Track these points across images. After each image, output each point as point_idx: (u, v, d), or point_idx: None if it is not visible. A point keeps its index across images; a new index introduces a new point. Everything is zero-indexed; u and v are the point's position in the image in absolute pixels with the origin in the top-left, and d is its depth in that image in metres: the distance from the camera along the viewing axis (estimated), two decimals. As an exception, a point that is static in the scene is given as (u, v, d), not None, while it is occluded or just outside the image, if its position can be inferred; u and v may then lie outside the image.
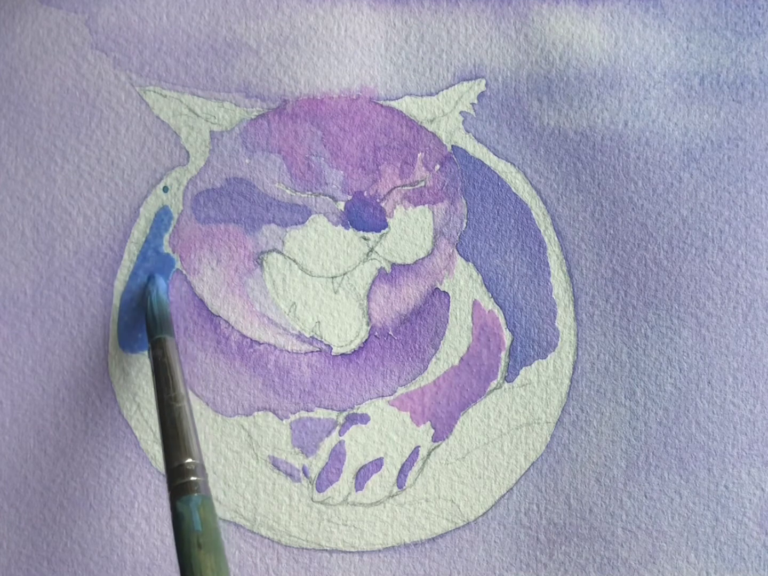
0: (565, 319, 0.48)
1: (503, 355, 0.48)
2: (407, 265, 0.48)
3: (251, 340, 0.48)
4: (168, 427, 0.41)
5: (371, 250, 0.48)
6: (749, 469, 0.48)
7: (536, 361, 0.48)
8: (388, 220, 0.48)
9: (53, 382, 0.47)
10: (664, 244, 0.49)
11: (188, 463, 0.39)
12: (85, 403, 0.47)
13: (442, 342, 0.48)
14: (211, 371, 0.48)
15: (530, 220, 0.49)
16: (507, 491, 0.47)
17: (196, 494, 0.38)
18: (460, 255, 0.49)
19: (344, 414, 0.48)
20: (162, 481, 0.47)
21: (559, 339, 0.48)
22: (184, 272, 0.48)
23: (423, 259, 0.48)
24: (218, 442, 0.47)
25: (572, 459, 0.48)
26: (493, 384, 0.48)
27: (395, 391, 0.48)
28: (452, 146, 0.49)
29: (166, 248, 0.48)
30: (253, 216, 0.48)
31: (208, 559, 0.36)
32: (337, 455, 0.47)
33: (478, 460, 0.48)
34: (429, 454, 0.48)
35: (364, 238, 0.48)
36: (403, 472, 0.47)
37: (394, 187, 0.49)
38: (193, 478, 0.39)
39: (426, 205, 0.49)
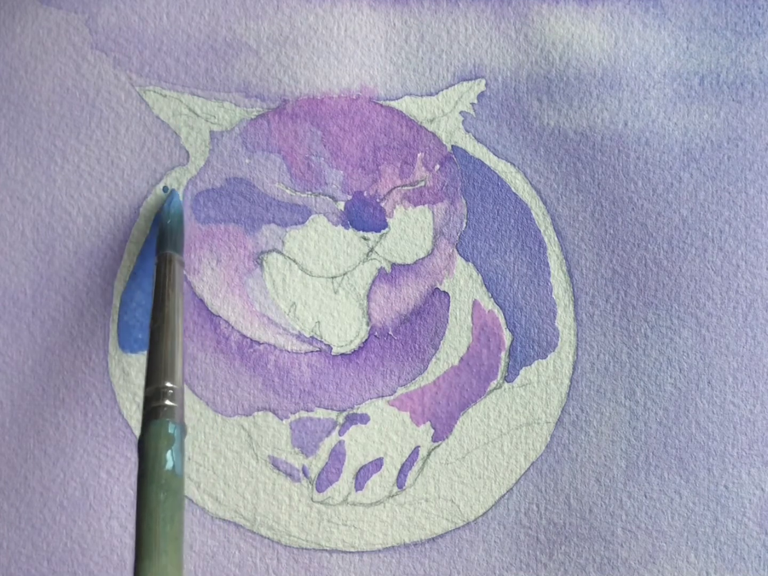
0: (565, 319, 0.48)
1: (503, 355, 0.48)
2: (407, 265, 0.48)
3: (251, 340, 0.48)
4: (150, 348, 0.40)
5: (371, 250, 0.48)
6: (749, 469, 0.48)
7: (536, 361, 0.48)
8: (388, 220, 0.48)
9: (53, 382, 0.47)
10: (664, 244, 0.49)
11: (165, 387, 0.38)
12: (85, 403, 0.47)
13: (442, 342, 0.48)
14: (211, 371, 0.48)
15: (530, 220, 0.49)
16: (507, 491, 0.47)
17: (168, 420, 0.37)
18: (460, 255, 0.49)
19: (344, 414, 0.48)
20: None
21: (559, 339, 0.48)
22: (184, 272, 0.48)
23: (423, 259, 0.48)
24: (218, 442, 0.47)
25: (572, 459, 0.48)
26: (493, 384, 0.48)
27: (395, 391, 0.48)
28: (452, 146, 0.49)
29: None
30: (253, 216, 0.48)
31: (168, 502, 0.35)
32: (337, 455, 0.47)
33: (478, 460, 0.48)
34: (429, 454, 0.48)
35: (364, 238, 0.48)
36: (403, 472, 0.47)
37: (394, 187, 0.49)
38: (168, 402, 0.37)
39: (426, 205, 0.49)
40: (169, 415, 0.37)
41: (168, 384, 0.38)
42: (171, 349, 0.39)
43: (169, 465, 0.36)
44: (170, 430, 0.37)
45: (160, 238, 0.45)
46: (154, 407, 0.37)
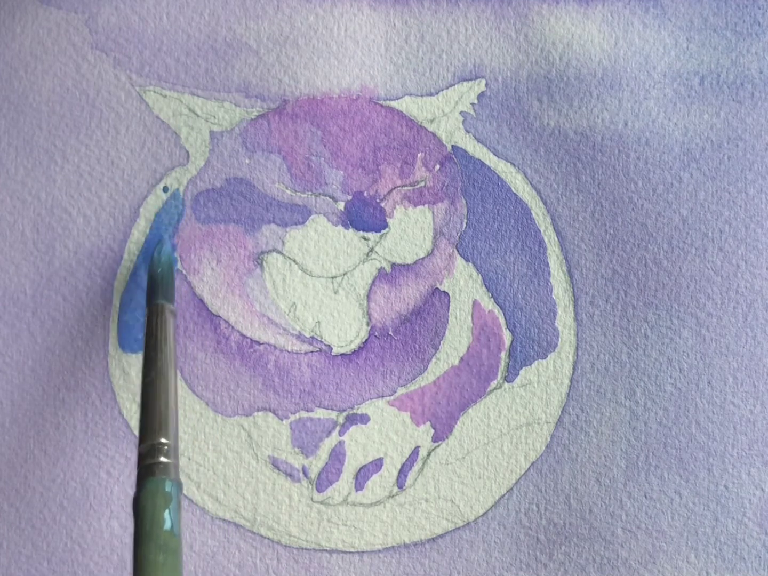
0: (565, 319, 0.48)
1: (503, 355, 0.48)
2: (407, 265, 0.48)
3: (251, 340, 0.48)
4: (143, 403, 0.39)
5: (371, 250, 0.48)
6: (749, 469, 0.48)
7: (536, 361, 0.48)
8: (388, 220, 0.48)
9: (53, 382, 0.47)
10: (664, 244, 0.49)
11: (160, 443, 0.37)
12: (85, 403, 0.47)
13: (442, 342, 0.48)
14: (211, 371, 0.48)
15: (530, 220, 0.49)
16: (507, 491, 0.47)
17: (165, 478, 0.36)
18: (460, 255, 0.49)
19: (344, 414, 0.48)
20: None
21: (559, 339, 0.48)
22: (184, 272, 0.48)
23: (423, 259, 0.48)
24: (218, 442, 0.47)
25: (572, 459, 0.48)
26: (493, 384, 0.48)
27: (395, 391, 0.48)
28: (452, 146, 0.49)
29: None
30: (253, 216, 0.48)
31: (168, 563, 0.34)
32: (337, 455, 0.47)
33: (478, 460, 0.48)
34: (429, 454, 0.48)
35: (364, 238, 0.48)
36: (403, 473, 0.47)
37: (394, 187, 0.49)
38: (163, 459, 0.36)
39: (426, 205, 0.49)
40: (165, 473, 0.36)
41: (163, 440, 0.37)
42: (165, 404, 0.38)
43: (168, 525, 0.35)
44: (167, 488, 0.36)
45: (150, 288, 0.44)
46: (149, 464, 0.36)
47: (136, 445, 0.47)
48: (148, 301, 0.43)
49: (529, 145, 0.49)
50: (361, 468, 0.47)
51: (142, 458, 0.37)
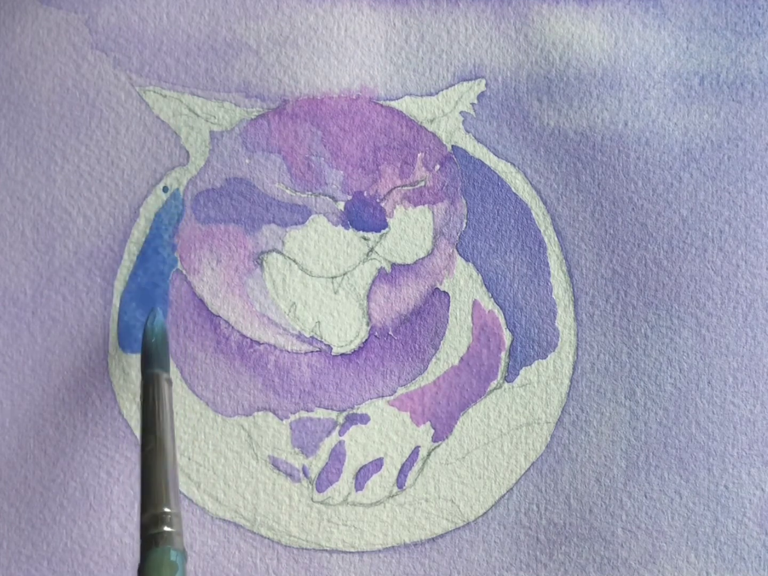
0: (565, 319, 0.48)
1: (503, 355, 0.48)
2: (407, 265, 0.48)
3: (251, 340, 0.48)
4: (144, 472, 0.39)
5: (371, 250, 0.48)
6: (749, 469, 0.48)
7: (536, 361, 0.48)
8: (388, 220, 0.48)
9: (53, 382, 0.47)
10: (664, 244, 0.49)
11: (163, 512, 0.37)
12: (85, 403, 0.47)
13: (442, 342, 0.48)
14: (211, 371, 0.47)
15: (530, 220, 0.49)
16: (507, 491, 0.47)
17: (169, 548, 0.35)
18: (460, 255, 0.49)
19: (344, 414, 0.48)
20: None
21: (559, 339, 0.48)
22: (184, 272, 0.48)
23: (423, 259, 0.48)
24: (218, 442, 0.47)
25: (572, 459, 0.48)
26: (493, 384, 0.48)
27: (395, 391, 0.48)
28: (452, 146, 0.49)
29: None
30: (253, 216, 0.48)
31: None
32: (337, 455, 0.47)
33: (478, 460, 0.48)
34: (429, 454, 0.48)
35: (364, 238, 0.48)
36: (403, 472, 0.47)
37: (394, 187, 0.49)
38: (167, 529, 0.36)
39: (426, 205, 0.49)
40: (169, 542, 0.36)
41: (165, 509, 0.37)
42: (165, 473, 0.38)
43: None
44: (172, 558, 0.35)
45: (144, 357, 0.44)
46: (152, 534, 0.36)
47: (136, 444, 0.47)
48: (142, 370, 0.43)
49: (529, 145, 0.49)
50: (361, 468, 0.47)
51: (145, 528, 0.36)
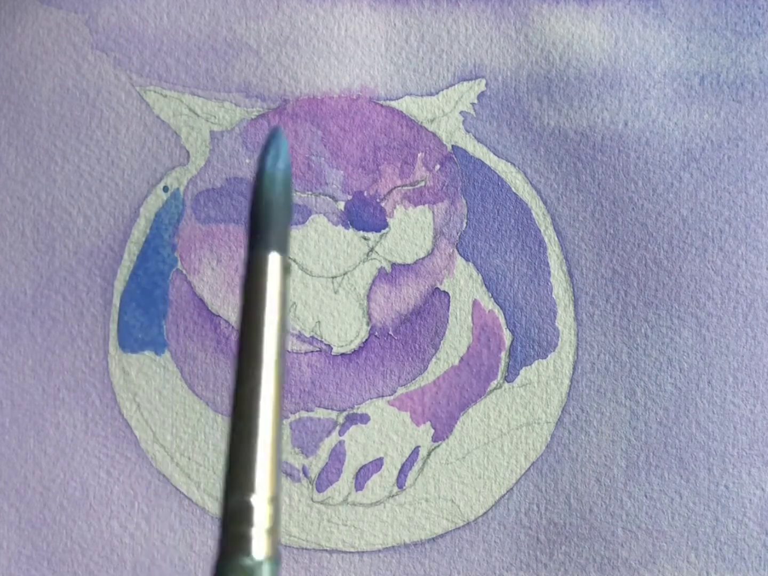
0: (565, 319, 0.48)
1: (503, 355, 0.48)
2: (407, 265, 0.48)
3: (251, 340, 0.48)
4: (233, 428, 0.24)
5: (371, 250, 0.48)
6: (749, 469, 0.48)
7: (536, 361, 0.48)
8: (388, 220, 0.48)
9: (53, 382, 0.47)
10: (664, 244, 0.49)
11: (252, 500, 0.23)
12: (85, 403, 0.47)
13: (442, 342, 0.48)
14: (211, 371, 0.47)
15: (530, 220, 0.49)
16: (507, 491, 0.47)
17: (256, 559, 0.23)
18: (460, 255, 0.49)
19: (344, 414, 0.48)
20: (163, 481, 0.47)
21: (559, 339, 0.48)
22: (184, 272, 0.48)
23: (423, 259, 0.48)
24: (218, 442, 0.47)
25: (572, 459, 0.48)
26: (493, 384, 0.48)
27: (395, 391, 0.48)
28: (452, 146, 0.49)
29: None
30: (253, 216, 0.48)
31: None
32: (337, 455, 0.47)
33: (478, 460, 0.48)
34: (429, 454, 0.48)
35: (364, 238, 0.48)
36: (403, 472, 0.47)
37: (394, 187, 0.49)
38: (254, 530, 0.23)
39: (426, 205, 0.49)
40: (267, 549, 0.23)
41: (259, 495, 0.23)
42: (273, 432, 0.24)
43: None
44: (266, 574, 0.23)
45: (253, 224, 0.26)
46: (239, 534, 0.23)
47: (136, 444, 0.47)
48: (249, 247, 0.26)
49: (529, 145, 0.49)
50: (361, 468, 0.47)
51: (229, 518, 0.23)
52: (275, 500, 0.24)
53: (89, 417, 0.47)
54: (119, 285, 0.48)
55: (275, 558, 0.24)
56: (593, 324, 0.48)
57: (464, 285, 0.48)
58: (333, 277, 0.48)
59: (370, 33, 0.49)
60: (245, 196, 0.48)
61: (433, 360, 0.48)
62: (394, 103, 0.49)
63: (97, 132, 0.48)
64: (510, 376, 0.48)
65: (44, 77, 0.48)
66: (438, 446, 0.48)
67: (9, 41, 0.48)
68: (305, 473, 0.47)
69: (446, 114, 0.49)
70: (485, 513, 0.47)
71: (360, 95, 0.49)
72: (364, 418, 0.48)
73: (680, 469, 0.48)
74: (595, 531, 0.47)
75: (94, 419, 0.47)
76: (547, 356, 0.48)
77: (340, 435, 0.48)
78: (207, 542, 0.47)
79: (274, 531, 0.24)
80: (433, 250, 0.49)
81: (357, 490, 0.47)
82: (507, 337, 0.48)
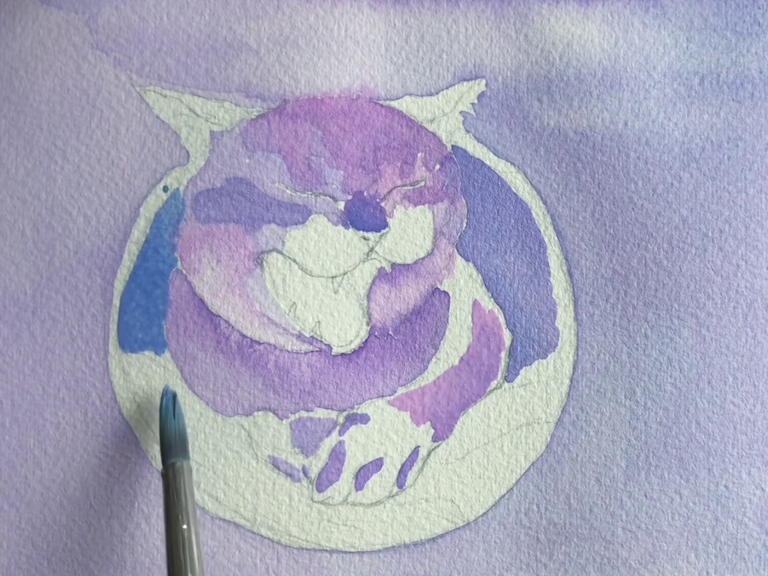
0: (565, 319, 0.48)
1: (503, 355, 0.48)
2: (407, 265, 0.48)
3: (251, 340, 0.48)
4: (173, 562, 0.40)
5: (371, 250, 0.48)
6: (749, 469, 0.48)
7: (536, 361, 0.48)
8: (388, 220, 0.48)
9: (53, 382, 0.47)
10: (664, 244, 0.49)
11: None
12: (85, 403, 0.47)
13: (442, 342, 0.48)
14: (211, 371, 0.48)
15: (530, 220, 0.49)
16: (507, 491, 0.47)
17: None
18: (460, 255, 0.49)
19: (344, 414, 0.48)
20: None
21: (559, 339, 0.48)
22: (184, 272, 0.48)
23: (423, 259, 0.48)
24: (218, 442, 0.47)
25: (572, 459, 0.48)
26: (493, 384, 0.48)
27: (395, 391, 0.48)
28: (452, 146, 0.49)
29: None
30: (253, 216, 0.48)
31: None
32: (337, 455, 0.47)
33: (478, 460, 0.48)
34: (429, 454, 0.48)
35: (364, 238, 0.48)
36: (403, 472, 0.47)
37: (394, 187, 0.49)
38: None
39: (426, 205, 0.49)
40: None
41: None
42: (195, 564, 0.40)
43: None
44: None
45: (164, 446, 0.44)
46: None
47: (136, 444, 0.47)
48: (163, 460, 0.44)
49: (529, 145, 0.49)
50: (361, 468, 0.47)
51: None
52: None
53: (89, 417, 0.47)
54: (119, 285, 0.48)
55: None
56: (593, 324, 0.48)
57: (464, 285, 0.48)
58: (333, 277, 0.48)
59: (370, 33, 0.49)
60: (245, 196, 0.48)
61: (433, 360, 0.48)
62: (394, 103, 0.49)
63: (97, 132, 0.48)
64: (510, 376, 0.48)
65: (44, 77, 0.48)
66: (438, 446, 0.48)
67: (9, 41, 0.48)
68: (305, 473, 0.47)
69: (446, 114, 0.49)
70: (485, 513, 0.47)
71: (360, 95, 0.49)
72: (364, 418, 0.48)
73: (680, 469, 0.48)
74: (595, 531, 0.47)
75: (94, 419, 0.47)
76: (547, 356, 0.48)
77: (340, 435, 0.48)
78: (207, 542, 0.47)
79: None
80: (433, 250, 0.49)
81: (357, 490, 0.47)
82: (507, 337, 0.48)
